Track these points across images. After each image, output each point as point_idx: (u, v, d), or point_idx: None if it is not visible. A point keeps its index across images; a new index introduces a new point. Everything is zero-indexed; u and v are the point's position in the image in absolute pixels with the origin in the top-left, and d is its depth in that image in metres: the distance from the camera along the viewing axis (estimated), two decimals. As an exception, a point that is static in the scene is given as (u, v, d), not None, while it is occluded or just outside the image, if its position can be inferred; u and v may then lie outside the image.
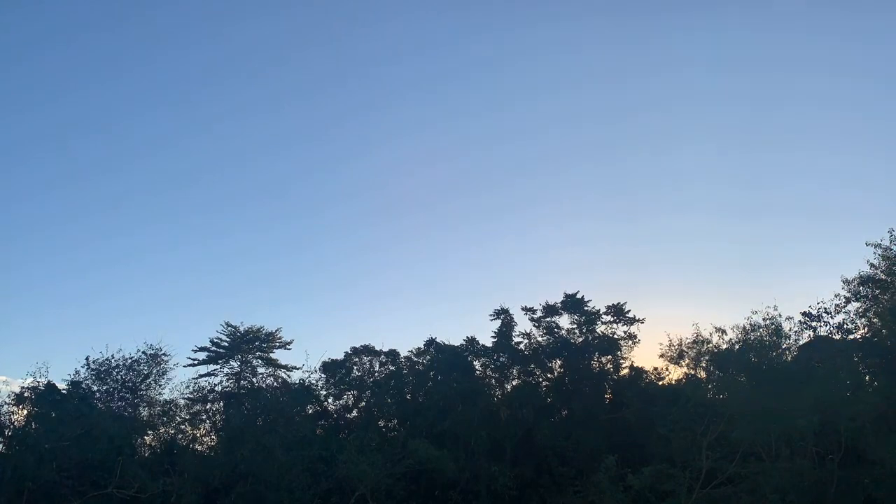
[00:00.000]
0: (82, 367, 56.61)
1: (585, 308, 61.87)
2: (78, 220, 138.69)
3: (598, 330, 61.46)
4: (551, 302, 62.64)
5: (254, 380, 63.78)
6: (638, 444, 50.89)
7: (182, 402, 60.05)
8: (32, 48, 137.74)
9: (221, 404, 60.76)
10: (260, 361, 65.33)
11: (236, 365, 64.31)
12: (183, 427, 58.97)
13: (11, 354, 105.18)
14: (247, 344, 64.49)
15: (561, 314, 62.34)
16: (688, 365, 55.44)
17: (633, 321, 61.34)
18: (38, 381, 55.00)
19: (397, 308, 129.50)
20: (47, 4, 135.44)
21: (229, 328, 64.81)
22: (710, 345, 53.72)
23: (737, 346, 52.00)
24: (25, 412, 54.34)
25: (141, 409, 57.33)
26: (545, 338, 62.36)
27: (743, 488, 43.23)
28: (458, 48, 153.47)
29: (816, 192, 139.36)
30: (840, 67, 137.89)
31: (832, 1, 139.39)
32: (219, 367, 63.89)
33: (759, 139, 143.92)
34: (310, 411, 60.97)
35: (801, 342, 52.33)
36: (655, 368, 59.28)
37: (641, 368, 60.02)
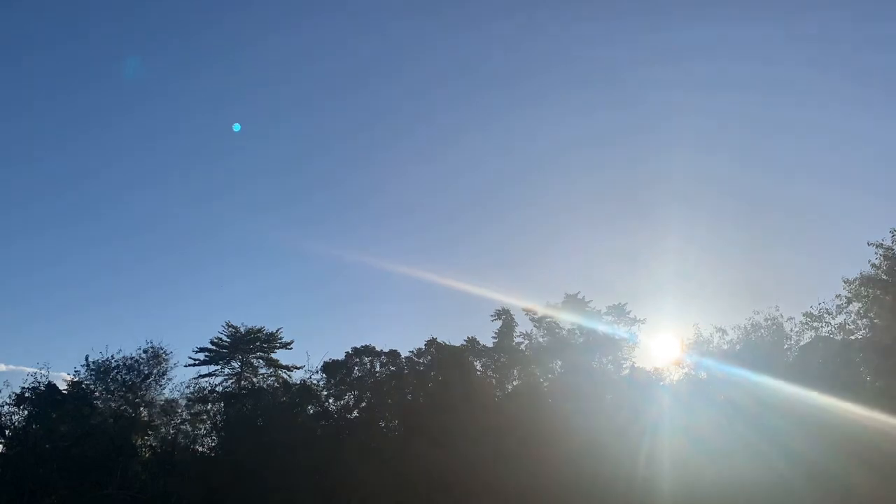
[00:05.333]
0: (82, 366, 56.74)
1: (586, 309, 61.83)
2: (79, 221, 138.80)
3: (598, 330, 61.40)
4: (552, 302, 62.67)
5: (254, 380, 63.88)
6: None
7: (182, 402, 60.24)
8: (32, 41, 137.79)
9: (222, 404, 60.80)
10: (261, 362, 65.48)
11: (237, 365, 64.46)
12: (183, 427, 59.05)
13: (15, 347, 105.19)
14: (247, 344, 64.58)
15: (561, 314, 62.29)
16: (689, 366, 55.38)
17: (633, 322, 61.29)
18: (39, 382, 55.08)
19: (398, 308, 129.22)
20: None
21: (230, 328, 64.98)
22: (712, 345, 53.69)
23: (738, 347, 51.93)
24: (26, 412, 54.41)
25: (141, 409, 57.44)
26: (546, 338, 62.31)
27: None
28: (455, 47, 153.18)
29: (818, 191, 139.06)
30: (841, 65, 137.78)
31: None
32: (219, 367, 64.02)
33: (760, 138, 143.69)
34: (310, 412, 60.89)
35: (802, 342, 52.28)
36: (657, 369, 59.23)
37: (642, 369, 59.95)
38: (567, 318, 62.39)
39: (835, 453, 40.21)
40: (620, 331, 61.38)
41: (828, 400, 42.21)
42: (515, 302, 65.63)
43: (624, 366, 60.62)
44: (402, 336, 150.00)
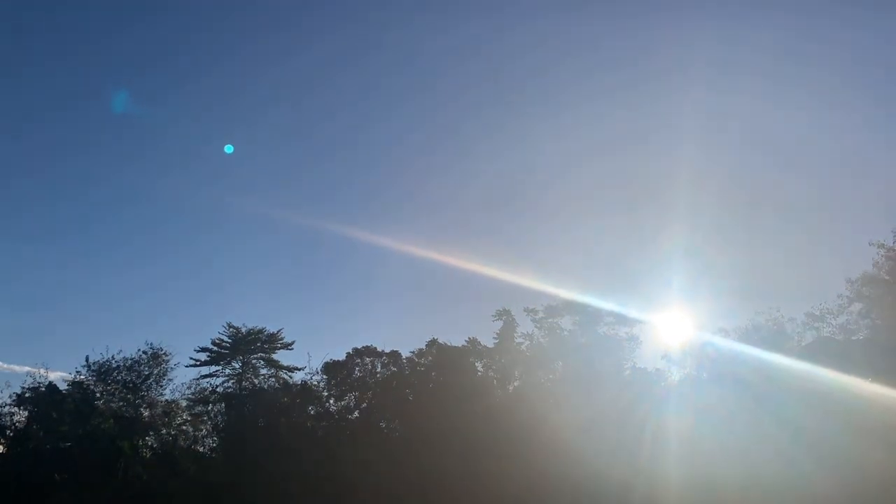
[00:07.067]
0: (83, 367, 56.75)
1: (588, 309, 61.75)
2: (80, 224, 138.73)
3: (600, 331, 61.33)
4: (553, 303, 62.60)
5: (255, 381, 63.82)
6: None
7: (183, 402, 60.23)
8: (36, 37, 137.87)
9: (223, 405, 60.78)
10: (262, 362, 65.41)
11: (238, 366, 64.35)
12: (184, 428, 59.03)
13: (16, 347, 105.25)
14: (248, 345, 64.53)
15: (563, 315, 62.21)
16: (690, 366, 55.33)
17: (635, 322, 61.20)
18: (39, 382, 55.09)
19: (399, 308, 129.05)
20: None
21: (231, 329, 64.92)
22: (711, 350, 53.67)
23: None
24: (26, 413, 54.43)
25: (142, 409, 57.46)
26: (547, 339, 62.25)
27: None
28: (453, 43, 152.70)
29: (820, 190, 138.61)
30: (843, 63, 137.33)
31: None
32: (220, 367, 63.92)
33: (760, 137, 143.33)
34: (311, 412, 60.87)
35: (804, 343, 52.22)
36: (658, 369, 59.14)
37: (644, 369, 59.85)
38: (568, 319, 62.36)
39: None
40: (622, 331, 61.31)
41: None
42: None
43: (625, 366, 60.51)
44: (403, 337, 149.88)
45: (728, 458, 43.79)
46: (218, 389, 61.75)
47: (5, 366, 75.78)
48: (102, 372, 56.82)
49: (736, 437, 44.35)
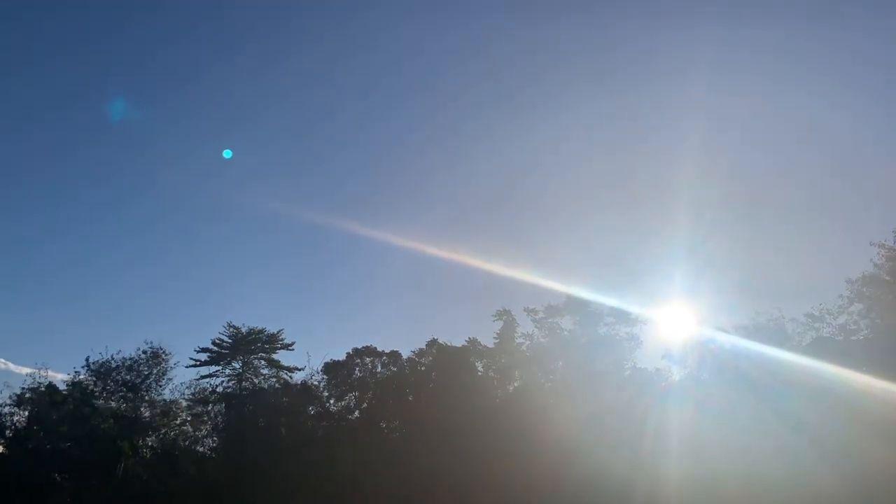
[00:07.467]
0: (83, 367, 56.78)
1: (587, 309, 61.75)
2: (80, 222, 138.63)
3: (600, 331, 61.32)
4: (553, 303, 62.61)
5: (256, 381, 63.77)
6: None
7: (183, 402, 60.21)
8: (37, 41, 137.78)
9: (223, 405, 60.75)
10: (262, 363, 65.34)
11: (238, 366, 64.29)
12: (184, 428, 59.03)
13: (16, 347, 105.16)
14: (249, 345, 64.47)
15: (563, 315, 62.20)
16: (691, 362, 55.38)
17: (635, 322, 61.20)
18: (39, 383, 55.14)
19: (399, 308, 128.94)
20: None
21: (231, 329, 64.82)
22: (713, 346, 53.68)
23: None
24: (26, 413, 54.45)
25: (142, 409, 57.47)
26: (547, 339, 62.24)
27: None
28: (453, 43, 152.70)
29: (820, 190, 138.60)
30: (843, 64, 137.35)
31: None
32: (221, 368, 63.85)
33: (761, 137, 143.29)
34: (311, 412, 60.87)
35: (804, 343, 52.22)
36: (658, 369, 59.14)
37: (644, 369, 59.84)
38: (569, 319, 62.35)
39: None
40: (622, 331, 61.28)
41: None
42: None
43: (626, 366, 60.51)
44: (403, 336, 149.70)
45: (729, 453, 43.72)
46: (218, 389, 61.71)
47: (10, 364, 75.77)
48: (102, 372, 56.85)
49: (737, 432, 44.31)
